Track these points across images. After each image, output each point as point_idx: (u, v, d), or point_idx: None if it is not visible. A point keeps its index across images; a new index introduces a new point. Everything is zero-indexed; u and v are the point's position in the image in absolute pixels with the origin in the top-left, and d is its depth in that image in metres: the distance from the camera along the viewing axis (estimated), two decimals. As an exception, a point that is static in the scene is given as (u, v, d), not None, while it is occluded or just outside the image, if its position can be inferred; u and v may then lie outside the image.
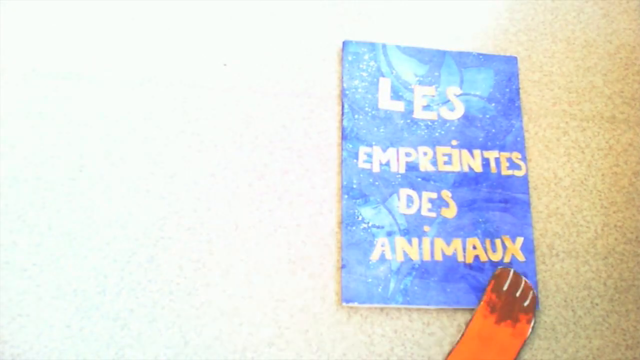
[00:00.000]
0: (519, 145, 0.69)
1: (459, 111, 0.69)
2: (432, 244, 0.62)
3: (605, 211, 0.69)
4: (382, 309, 0.60)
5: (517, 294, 0.61)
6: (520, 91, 0.73)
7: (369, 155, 0.65)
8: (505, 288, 0.61)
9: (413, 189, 0.64)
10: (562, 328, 0.62)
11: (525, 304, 0.60)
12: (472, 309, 0.61)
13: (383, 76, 0.69)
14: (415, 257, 0.61)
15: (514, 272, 0.62)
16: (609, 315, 0.64)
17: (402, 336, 0.59)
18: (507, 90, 0.71)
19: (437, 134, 0.68)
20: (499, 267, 0.62)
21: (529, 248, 0.64)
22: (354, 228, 0.62)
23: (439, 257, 0.62)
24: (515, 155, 0.69)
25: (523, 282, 0.61)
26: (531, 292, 0.61)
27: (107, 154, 0.63)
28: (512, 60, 0.73)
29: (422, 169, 0.65)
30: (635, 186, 0.71)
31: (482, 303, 0.60)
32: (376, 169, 0.65)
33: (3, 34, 0.66)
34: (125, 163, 0.63)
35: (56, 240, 0.59)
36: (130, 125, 0.65)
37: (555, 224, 0.67)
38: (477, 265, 0.63)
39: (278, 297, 0.59)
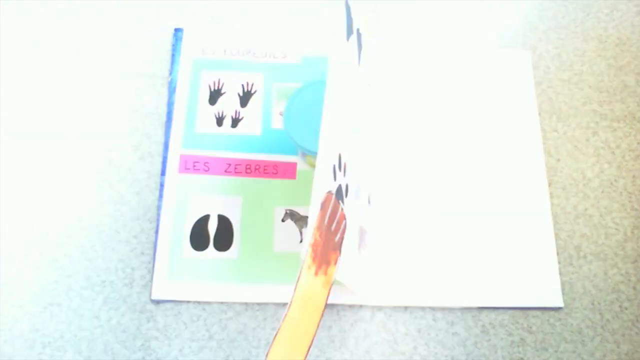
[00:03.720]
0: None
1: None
2: None
3: (635, 213, 0.68)
4: (406, 308, 0.60)
5: (333, 227, 0.45)
6: (550, 90, 0.72)
7: None
8: (326, 220, 0.44)
9: None
10: (589, 331, 0.61)
11: (337, 238, 0.45)
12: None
13: None
14: None
15: (335, 197, 0.46)
16: (639, 320, 0.63)
17: (425, 335, 0.59)
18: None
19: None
20: (326, 192, 0.44)
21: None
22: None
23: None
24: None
25: (340, 210, 0.46)
26: (344, 223, 0.46)
27: (136, 147, 0.64)
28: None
29: None
30: (668, 188, 0.69)
31: (309, 248, 0.41)
32: None
33: None
34: (153, 157, 0.64)
35: (86, 233, 0.60)
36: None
37: (583, 225, 0.66)
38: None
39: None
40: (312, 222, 0.41)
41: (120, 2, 0.70)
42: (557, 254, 0.64)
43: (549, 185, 0.67)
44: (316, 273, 0.43)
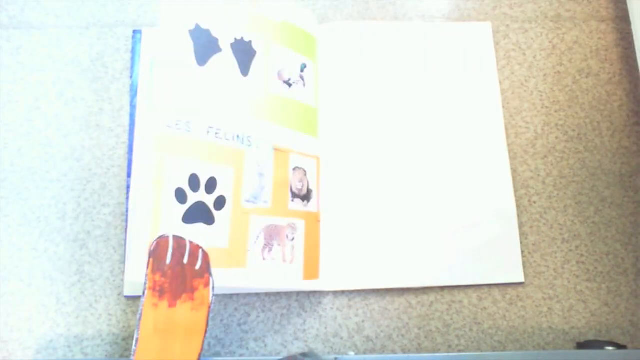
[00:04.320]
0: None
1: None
2: None
3: (546, 111, 0.69)
4: (374, 291, 0.64)
5: (185, 260, 0.51)
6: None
7: None
8: (168, 261, 0.51)
9: None
10: (495, 226, 0.65)
11: (198, 266, 0.52)
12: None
13: None
14: None
15: (174, 237, 0.51)
16: (547, 212, 0.65)
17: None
18: None
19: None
20: (155, 240, 0.51)
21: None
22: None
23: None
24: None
25: (188, 244, 0.52)
26: (200, 251, 0.52)
27: (60, 94, 0.69)
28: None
29: None
30: (580, 84, 0.70)
31: (147, 291, 0.49)
32: None
33: (-42, -7, 0.71)
34: (77, 102, 0.68)
35: (19, 175, 0.66)
36: (79, 67, 0.70)
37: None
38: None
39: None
40: (143, 269, 0.50)
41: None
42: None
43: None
44: (172, 305, 0.50)
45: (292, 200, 0.61)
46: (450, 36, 0.71)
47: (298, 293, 0.63)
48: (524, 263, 0.64)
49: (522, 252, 0.64)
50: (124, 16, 0.71)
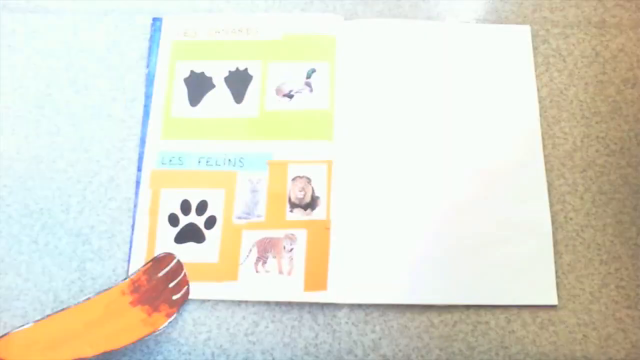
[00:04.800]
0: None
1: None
2: None
3: (586, 122, 0.64)
4: (397, 306, 0.60)
5: (171, 285, 0.56)
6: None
7: None
8: (161, 274, 0.57)
9: None
10: (528, 242, 0.60)
11: (175, 297, 0.56)
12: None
13: None
14: None
15: (178, 261, 0.57)
16: (584, 230, 0.60)
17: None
18: None
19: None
20: (165, 253, 0.58)
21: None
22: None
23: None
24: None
25: (182, 275, 0.57)
26: (185, 288, 0.57)
27: (72, 82, 0.66)
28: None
29: None
30: (623, 95, 0.65)
31: (128, 280, 0.56)
32: None
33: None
34: (89, 90, 0.65)
35: (25, 164, 0.62)
36: (94, 55, 0.67)
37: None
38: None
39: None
40: (141, 266, 0.57)
41: None
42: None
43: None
44: (133, 304, 0.55)
45: (291, 211, 0.60)
46: (486, 39, 0.67)
47: (311, 304, 0.58)
48: (557, 284, 0.59)
49: (556, 272, 0.59)
50: (144, 3, 0.68)
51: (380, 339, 0.57)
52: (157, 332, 0.55)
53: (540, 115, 0.64)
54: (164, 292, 0.56)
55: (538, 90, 0.65)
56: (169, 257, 0.58)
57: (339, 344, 0.57)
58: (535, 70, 0.66)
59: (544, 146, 0.63)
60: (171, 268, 0.57)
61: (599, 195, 0.62)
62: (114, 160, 0.63)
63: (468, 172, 0.62)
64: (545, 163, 0.63)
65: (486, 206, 0.61)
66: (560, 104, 0.65)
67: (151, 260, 0.57)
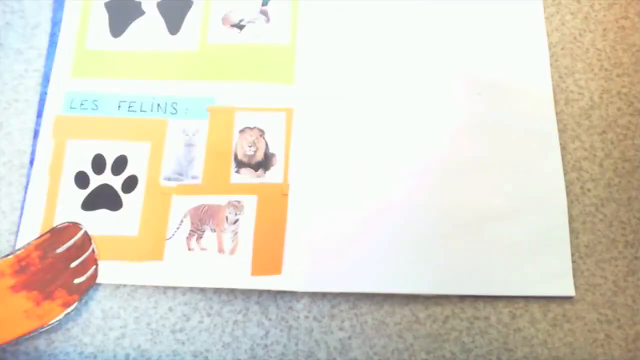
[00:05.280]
0: None
1: None
2: None
3: (605, 74, 0.53)
4: (405, 296, 0.47)
5: (74, 264, 0.44)
6: None
7: None
8: (60, 250, 0.45)
9: None
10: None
11: (77, 281, 0.44)
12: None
13: None
14: None
15: (85, 233, 0.46)
16: (605, 205, 0.49)
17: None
18: None
19: None
20: (67, 222, 0.46)
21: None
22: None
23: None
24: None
25: (89, 252, 0.45)
26: (92, 269, 0.45)
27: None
28: None
29: None
30: (649, 44, 0.54)
31: (11, 256, 0.44)
32: None
33: None
34: None
35: None
36: None
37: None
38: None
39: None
40: (33, 239, 0.45)
41: None
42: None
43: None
44: (15, 289, 0.43)
45: (237, 172, 0.49)
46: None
47: (260, 292, 0.46)
48: (573, 271, 0.47)
49: (572, 255, 0.47)
50: None
51: (349, 338, 0.45)
52: (47, 328, 0.42)
53: (551, 65, 0.53)
54: (63, 274, 0.44)
55: (548, 35, 0.54)
56: (72, 227, 0.46)
57: (296, 344, 0.45)
58: (544, 12, 0.55)
59: (556, 102, 0.52)
60: (75, 242, 0.45)
61: (621, 162, 0.51)
62: (4, 102, 0.50)
63: (463, 131, 0.50)
64: (558, 122, 0.51)
65: (485, 173, 0.49)
66: (574, 52, 0.54)
67: (48, 231, 0.45)
